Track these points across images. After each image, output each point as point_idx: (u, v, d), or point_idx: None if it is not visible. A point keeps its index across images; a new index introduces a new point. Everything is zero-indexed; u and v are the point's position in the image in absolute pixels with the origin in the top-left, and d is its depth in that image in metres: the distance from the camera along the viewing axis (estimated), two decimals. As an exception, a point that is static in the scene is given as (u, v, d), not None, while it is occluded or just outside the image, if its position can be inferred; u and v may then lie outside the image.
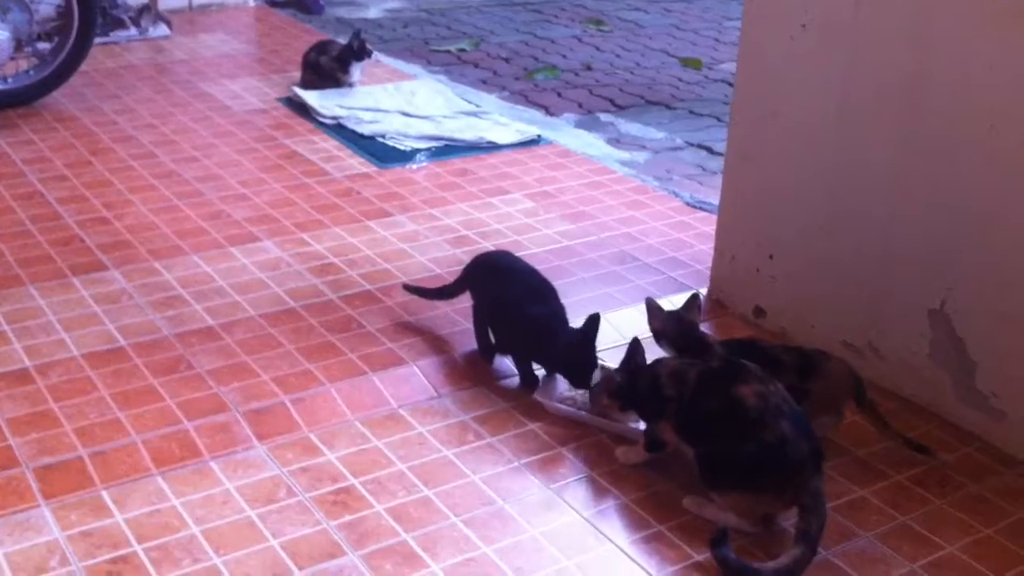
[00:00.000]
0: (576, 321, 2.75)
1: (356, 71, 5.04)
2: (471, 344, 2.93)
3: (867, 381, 2.60)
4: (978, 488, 2.47)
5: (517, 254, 3.08)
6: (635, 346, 2.50)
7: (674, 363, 2.42)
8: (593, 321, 2.66)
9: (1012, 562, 2.24)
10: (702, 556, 2.21)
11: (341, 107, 4.76)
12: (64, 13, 4.66)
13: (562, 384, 2.75)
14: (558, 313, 2.78)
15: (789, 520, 2.25)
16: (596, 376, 2.66)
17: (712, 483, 2.30)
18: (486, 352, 2.89)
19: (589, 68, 5.87)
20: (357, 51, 5.00)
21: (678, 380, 2.35)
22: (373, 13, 6.90)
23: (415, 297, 3.12)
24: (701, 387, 2.31)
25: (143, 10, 5.92)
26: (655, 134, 4.91)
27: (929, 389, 2.72)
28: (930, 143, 2.60)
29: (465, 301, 3.00)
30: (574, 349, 2.67)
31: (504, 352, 2.86)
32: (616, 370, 2.53)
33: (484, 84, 5.52)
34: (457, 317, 3.05)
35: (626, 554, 2.23)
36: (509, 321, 2.81)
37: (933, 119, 2.59)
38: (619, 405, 2.51)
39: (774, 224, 3.05)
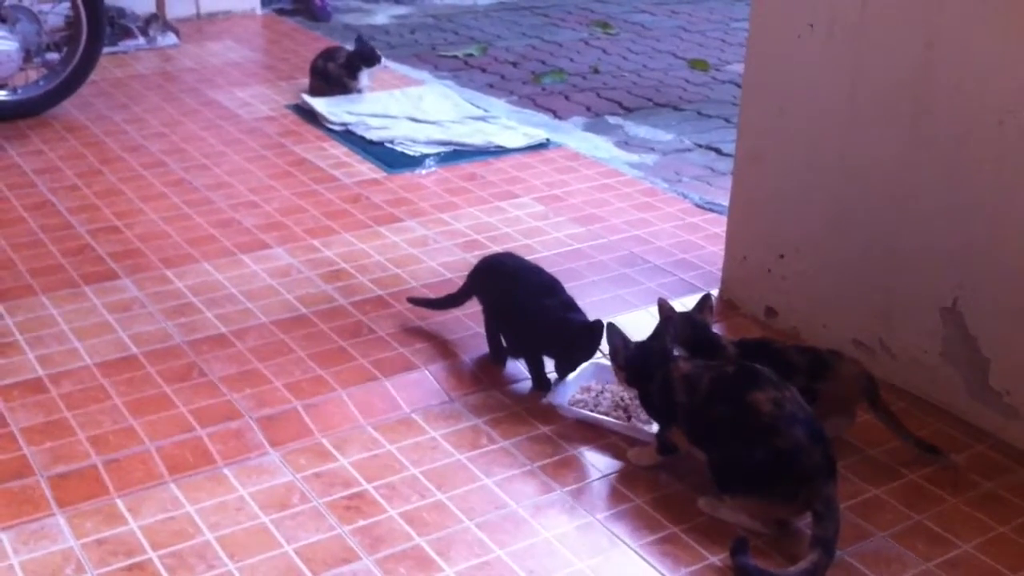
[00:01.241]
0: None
1: (365, 77, 5.05)
2: (482, 348, 2.93)
3: (879, 380, 2.59)
4: (992, 486, 2.46)
5: (527, 258, 3.08)
6: (666, 323, 2.48)
7: (687, 367, 2.40)
8: (600, 324, 2.67)
9: (1028, 560, 2.24)
10: (716, 558, 2.21)
11: (349, 113, 4.77)
12: (72, 23, 4.69)
13: (574, 387, 2.75)
14: (567, 303, 2.78)
15: (804, 520, 2.25)
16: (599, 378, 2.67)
17: (725, 486, 2.30)
18: (497, 356, 2.89)
19: (596, 71, 5.87)
20: (367, 57, 5.01)
21: (690, 385, 2.34)
22: (380, 19, 6.90)
23: (406, 300, 3.14)
24: (715, 393, 2.30)
25: (151, 19, 5.93)
26: (663, 136, 4.90)
27: (942, 387, 2.72)
28: (939, 140, 2.60)
29: (475, 305, 3.00)
30: (576, 335, 2.68)
31: (516, 355, 2.86)
32: (637, 342, 2.52)
33: (492, 89, 5.52)
34: (468, 321, 3.05)
35: (640, 556, 2.23)
36: (518, 318, 2.81)
37: (942, 116, 2.58)
38: (624, 376, 2.50)
39: (784, 224, 3.05)
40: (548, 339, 2.75)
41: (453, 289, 3.09)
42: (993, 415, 2.62)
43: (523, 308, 2.79)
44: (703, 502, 2.36)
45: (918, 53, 2.60)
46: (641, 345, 2.51)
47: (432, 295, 3.17)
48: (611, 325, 2.53)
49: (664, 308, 2.65)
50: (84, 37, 4.64)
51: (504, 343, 2.88)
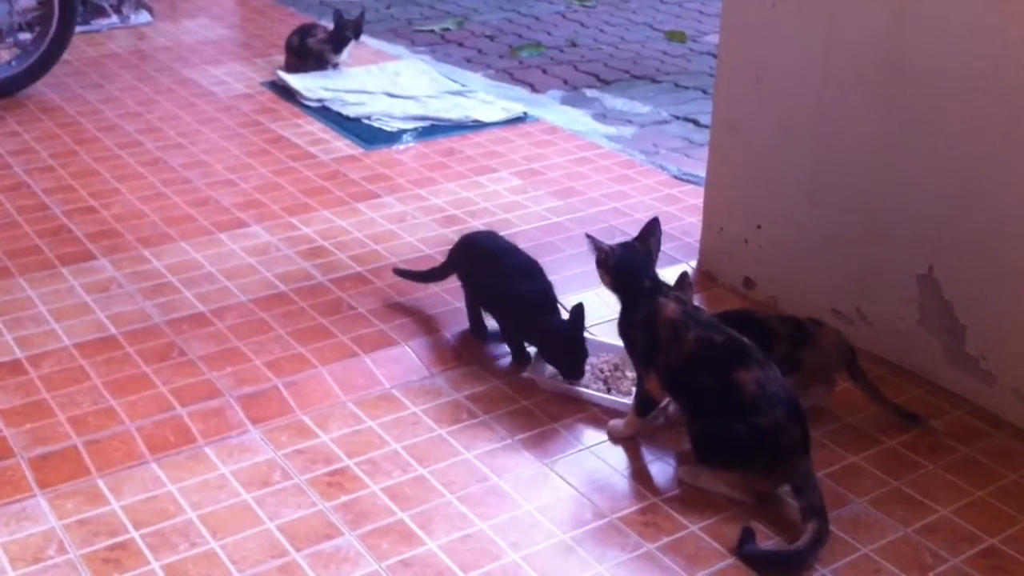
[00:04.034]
0: (562, 297, 2.76)
1: (345, 52, 5.02)
2: (462, 323, 2.93)
3: (857, 348, 2.61)
4: (969, 451, 2.49)
5: (505, 232, 3.09)
6: (653, 225, 2.49)
7: (675, 312, 2.37)
8: (577, 312, 2.66)
9: (1004, 523, 2.26)
10: (697, 526, 2.23)
11: (326, 90, 4.74)
12: (45, 2, 4.63)
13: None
14: (546, 292, 2.78)
15: (783, 488, 2.27)
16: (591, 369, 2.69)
17: (704, 458, 2.32)
18: (478, 331, 2.89)
19: (574, 44, 5.86)
20: (355, 30, 4.98)
21: (675, 332, 2.34)
22: (356, -6, 6.86)
23: (392, 271, 3.13)
24: (700, 359, 2.30)
25: (124, -3, 5.89)
26: (641, 108, 4.90)
27: (919, 354, 2.74)
28: (914, 108, 2.61)
29: (454, 280, 3.00)
30: (564, 343, 2.67)
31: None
32: (621, 243, 2.51)
33: (469, 63, 5.50)
34: (447, 297, 3.05)
35: (621, 526, 2.24)
36: (498, 302, 2.81)
37: (916, 84, 2.59)
38: (609, 280, 2.49)
39: (761, 195, 3.06)
40: (525, 328, 2.75)
41: (431, 265, 3.08)
42: (970, 381, 2.64)
43: (500, 293, 2.78)
44: (683, 471, 2.37)
45: (892, 21, 2.60)
46: (626, 246, 2.50)
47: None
48: (589, 236, 2.51)
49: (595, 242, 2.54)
50: (56, 16, 4.60)
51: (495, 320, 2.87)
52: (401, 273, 3.13)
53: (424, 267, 3.11)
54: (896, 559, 2.16)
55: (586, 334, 2.71)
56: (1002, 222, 2.49)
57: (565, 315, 2.71)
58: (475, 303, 2.90)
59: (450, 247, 3.04)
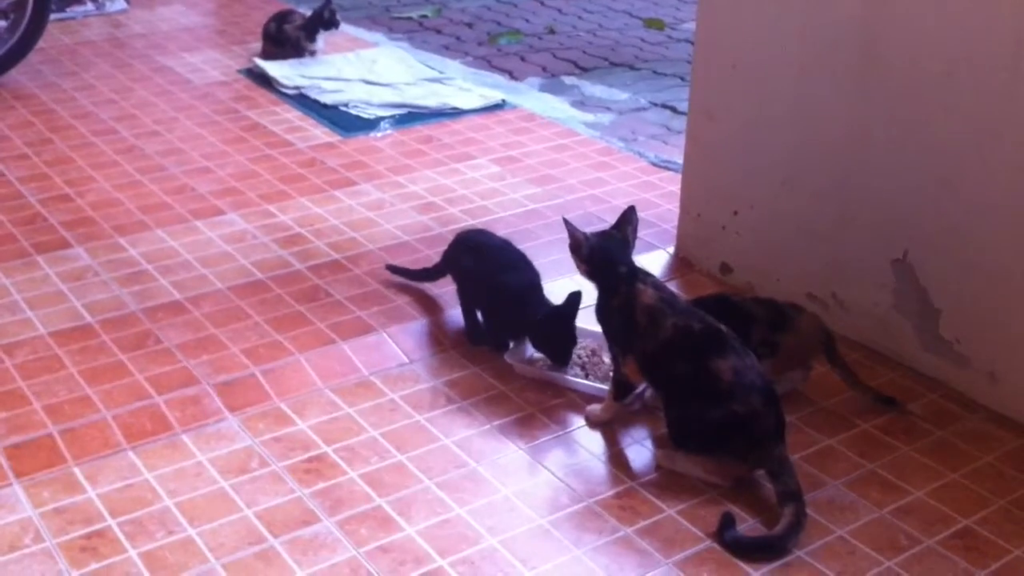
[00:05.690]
0: (546, 288, 2.78)
1: (321, 40, 5.01)
2: (440, 310, 2.93)
3: (833, 332, 2.62)
4: (943, 434, 2.50)
5: (483, 219, 3.09)
6: (630, 214, 2.49)
7: (653, 298, 2.38)
8: (573, 300, 2.65)
9: (978, 505, 2.28)
10: (674, 510, 2.24)
11: (303, 77, 4.72)
12: (18, -10, 4.60)
13: (531, 347, 2.75)
14: (534, 282, 2.78)
15: (759, 473, 2.29)
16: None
17: (681, 443, 2.34)
18: (474, 336, 2.83)
19: (552, 31, 5.85)
20: (328, 20, 4.96)
21: (651, 318, 2.35)
22: (333, -18, 6.82)
23: (384, 267, 3.12)
24: (678, 347, 2.31)
25: (99, -16, 5.85)
26: (619, 95, 4.90)
27: (894, 338, 2.75)
28: (889, 93, 2.62)
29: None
30: (552, 326, 2.67)
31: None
32: (597, 232, 2.52)
33: (447, 50, 5.49)
34: (425, 283, 3.05)
35: (598, 510, 2.25)
36: (487, 292, 2.80)
37: (890, 68, 2.60)
38: (586, 269, 2.50)
39: (738, 181, 3.07)
40: (513, 320, 2.75)
41: (410, 252, 3.07)
42: (944, 364, 2.66)
43: (489, 285, 2.78)
44: (660, 455, 2.38)
45: (866, 8, 2.61)
46: (602, 234, 2.51)
47: (389, 259, 3.16)
48: (566, 220, 2.52)
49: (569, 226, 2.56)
50: (31, 4, 4.55)
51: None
52: (395, 270, 3.11)
53: (404, 256, 3.11)
54: (871, 541, 2.17)
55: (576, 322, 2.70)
56: (976, 207, 2.51)
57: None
58: (472, 306, 2.86)
59: (431, 234, 3.03)
